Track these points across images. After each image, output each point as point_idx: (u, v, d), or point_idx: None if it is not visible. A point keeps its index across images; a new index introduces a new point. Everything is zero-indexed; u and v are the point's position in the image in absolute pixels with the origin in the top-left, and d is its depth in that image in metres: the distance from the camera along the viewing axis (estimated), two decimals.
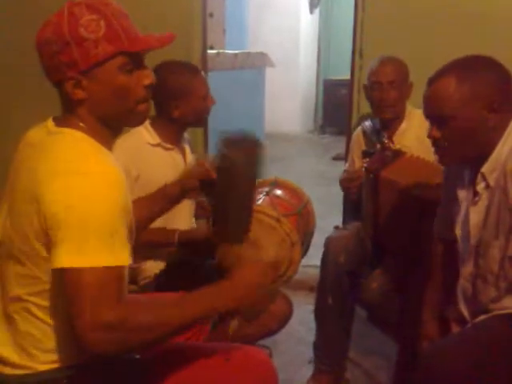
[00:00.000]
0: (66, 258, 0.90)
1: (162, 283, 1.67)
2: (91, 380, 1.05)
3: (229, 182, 1.29)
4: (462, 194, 1.39)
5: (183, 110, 1.67)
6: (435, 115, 1.33)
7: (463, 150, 1.32)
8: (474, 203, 1.34)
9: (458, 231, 1.42)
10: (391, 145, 1.98)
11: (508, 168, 1.25)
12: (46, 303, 1.00)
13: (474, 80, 1.28)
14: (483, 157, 1.30)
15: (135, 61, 1.01)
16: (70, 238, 0.90)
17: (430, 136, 1.35)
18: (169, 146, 1.72)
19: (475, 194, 1.34)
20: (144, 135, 1.68)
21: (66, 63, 0.97)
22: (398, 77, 1.96)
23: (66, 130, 1.00)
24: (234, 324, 1.16)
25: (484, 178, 1.30)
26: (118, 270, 0.93)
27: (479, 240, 1.34)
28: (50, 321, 1.01)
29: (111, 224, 0.92)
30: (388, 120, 2.01)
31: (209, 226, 1.67)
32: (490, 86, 1.27)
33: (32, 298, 1.00)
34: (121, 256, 0.93)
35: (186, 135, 1.85)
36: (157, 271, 1.69)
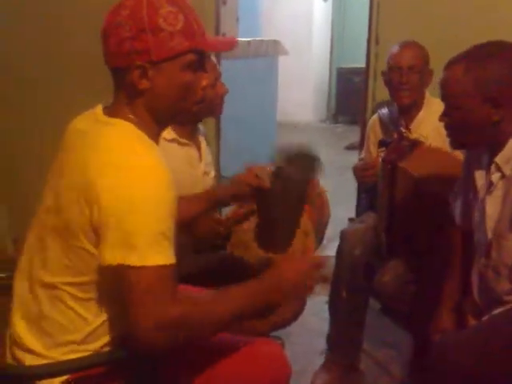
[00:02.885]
0: (119, 254, 0.89)
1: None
2: (109, 373, 1.04)
3: (282, 196, 1.31)
4: (480, 181, 1.36)
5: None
6: (444, 101, 1.34)
7: (466, 138, 1.33)
8: (490, 193, 1.32)
9: (475, 223, 1.39)
10: (409, 134, 1.95)
11: None
12: (82, 295, 0.99)
13: (481, 72, 1.25)
14: (496, 146, 1.27)
15: (200, 61, 1.01)
16: (121, 235, 0.89)
17: (439, 119, 1.37)
18: (184, 141, 1.69)
19: (491, 183, 1.31)
20: None
21: (137, 50, 0.95)
22: (419, 62, 1.92)
23: (117, 121, 0.99)
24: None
25: (498, 168, 1.28)
26: (171, 267, 0.92)
27: (493, 231, 1.31)
28: (82, 312, 1.00)
29: (163, 221, 0.92)
30: (406, 106, 1.96)
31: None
32: (497, 79, 1.24)
33: (68, 288, 0.99)
34: (171, 254, 0.93)
35: (201, 127, 1.82)
36: None
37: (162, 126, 1.06)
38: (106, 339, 1.03)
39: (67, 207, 0.96)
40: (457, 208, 1.51)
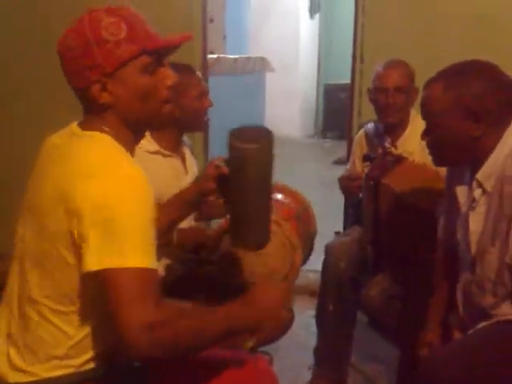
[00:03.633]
0: (104, 259, 0.90)
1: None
2: None
3: (244, 173, 1.22)
4: (462, 197, 1.38)
5: (182, 109, 1.63)
6: (425, 120, 1.36)
7: (448, 155, 1.34)
8: (473, 209, 1.33)
9: (459, 239, 1.41)
10: (393, 150, 1.97)
11: (505, 174, 1.24)
12: (62, 308, 0.99)
13: (460, 89, 1.26)
14: (477, 162, 1.29)
15: (157, 61, 1.02)
16: (105, 240, 0.90)
17: (421, 138, 1.38)
18: (168, 152, 1.70)
19: (474, 199, 1.33)
20: (142, 143, 1.65)
21: (89, 66, 0.97)
22: (405, 82, 1.91)
23: (94, 133, 1.00)
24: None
25: (480, 185, 1.29)
26: (154, 272, 0.93)
27: (477, 247, 1.33)
28: (62, 326, 1.00)
29: (144, 227, 0.92)
30: (392, 126, 1.98)
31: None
32: (476, 95, 1.25)
33: (48, 302, 0.99)
34: (154, 259, 0.94)
35: (186, 139, 1.83)
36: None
37: (138, 134, 1.08)
38: (89, 354, 1.03)
39: (46, 219, 0.97)
40: (440, 223, 1.53)
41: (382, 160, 1.88)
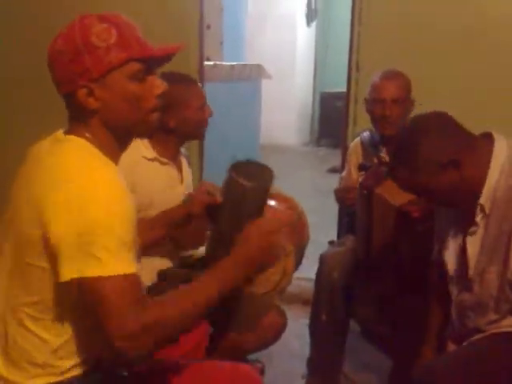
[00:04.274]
0: (81, 267, 0.89)
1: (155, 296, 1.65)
2: None
3: (238, 206, 1.25)
4: (454, 228, 1.40)
5: (179, 120, 1.65)
6: (413, 194, 1.42)
7: (454, 203, 1.36)
8: (472, 233, 1.33)
9: (449, 261, 1.41)
10: (388, 160, 1.97)
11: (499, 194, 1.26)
12: (39, 315, 0.98)
13: (419, 161, 1.28)
14: (477, 192, 1.29)
15: (147, 69, 1.01)
16: (81, 248, 0.89)
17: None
18: (165, 160, 1.70)
19: (470, 224, 1.33)
20: (140, 149, 1.65)
21: (78, 72, 0.97)
22: (402, 94, 1.90)
23: (72, 138, 1.00)
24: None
25: (482, 209, 1.30)
26: (134, 276, 0.92)
27: (475, 268, 1.33)
28: (40, 333, 0.99)
29: (121, 232, 0.91)
30: (388, 137, 1.95)
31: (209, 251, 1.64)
32: (435, 151, 1.27)
33: (25, 309, 0.98)
34: (134, 263, 0.93)
35: (183, 150, 1.83)
36: (149, 283, 1.67)
37: (123, 141, 1.06)
38: (72, 361, 1.02)
39: (22, 227, 0.96)
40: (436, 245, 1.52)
41: (377, 170, 1.87)
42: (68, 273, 0.90)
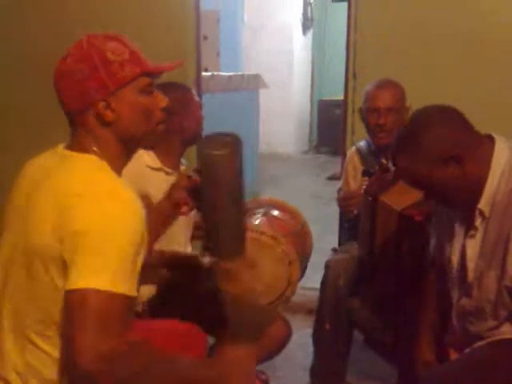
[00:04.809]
0: (86, 279, 0.88)
1: (154, 310, 1.64)
2: None
3: (214, 178, 1.23)
4: (457, 226, 1.38)
5: (188, 122, 1.69)
6: (414, 187, 1.38)
7: (455, 202, 1.34)
8: (471, 236, 1.32)
9: (451, 264, 1.39)
10: (390, 167, 1.96)
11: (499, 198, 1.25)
12: (48, 332, 0.98)
13: (421, 151, 1.26)
14: (477, 193, 1.28)
15: (152, 83, 1.07)
16: (90, 261, 0.89)
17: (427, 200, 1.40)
18: (170, 170, 1.71)
19: (469, 227, 1.33)
20: (145, 158, 1.67)
21: (94, 87, 1.00)
22: (397, 103, 1.91)
23: (81, 155, 1.02)
24: None
25: (481, 213, 1.29)
26: (126, 298, 0.91)
27: (474, 272, 1.33)
28: (50, 351, 0.99)
29: (131, 252, 0.92)
30: (384, 146, 1.94)
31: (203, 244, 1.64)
32: (440, 143, 1.25)
33: (32, 326, 0.98)
34: (129, 285, 0.92)
35: (183, 160, 1.84)
36: (149, 295, 1.66)
37: (130, 152, 1.10)
38: None
39: (33, 240, 0.96)
40: (431, 244, 1.52)
41: (381, 176, 1.86)
42: (76, 282, 0.89)
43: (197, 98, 1.79)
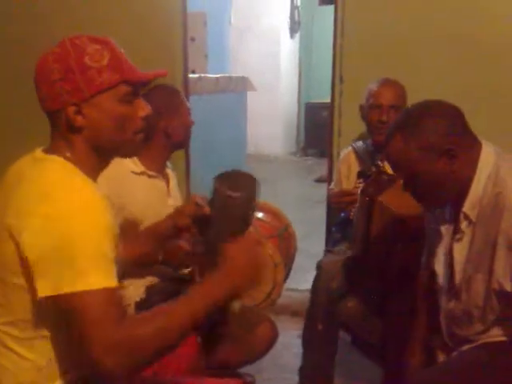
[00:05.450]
0: (60, 283, 0.88)
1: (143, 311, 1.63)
2: None
3: (229, 216, 1.25)
4: (444, 229, 1.38)
5: (173, 127, 1.68)
6: (400, 174, 1.35)
7: (435, 199, 1.33)
8: (458, 240, 1.33)
9: (439, 268, 1.40)
10: (387, 168, 1.97)
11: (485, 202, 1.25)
12: (21, 335, 0.97)
13: (419, 135, 1.26)
14: (462, 195, 1.29)
15: (134, 92, 1.04)
16: (60, 264, 0.89)
17: (404, 189, 1.36)
18: (153, 173, 1.70)
19: (457, 230, 1.33)
20: (127, 164, 1.65)
21: (68, 90, 0.97)
22: (399, 101, 1.95)
23: (51, 157, 1.00)
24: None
25: (466, 217, 1.30)
26: (114, 290, 0.91)
27: (462, 275, 1.33)
28: (24, 353, 0.98)
29: (100, 246, 0.91)
30: (383, 142, 1.98)
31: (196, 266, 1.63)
32: (439, 134, 1.25)
33: (7, 329, 0.97)
34: (114, 276, 0.92)
35: (168, 164, 1.83)
36: (137, 299, 1.65)
37: (104, 160, 1.07)
38: (56, 381, 1.00)
39: (1, 247, 0.95)
40: (426, 251, 1.52)
41: (378, 177, 1.87)
42: (45, 288, 0.89)
43: (186, 103, 1.76)
